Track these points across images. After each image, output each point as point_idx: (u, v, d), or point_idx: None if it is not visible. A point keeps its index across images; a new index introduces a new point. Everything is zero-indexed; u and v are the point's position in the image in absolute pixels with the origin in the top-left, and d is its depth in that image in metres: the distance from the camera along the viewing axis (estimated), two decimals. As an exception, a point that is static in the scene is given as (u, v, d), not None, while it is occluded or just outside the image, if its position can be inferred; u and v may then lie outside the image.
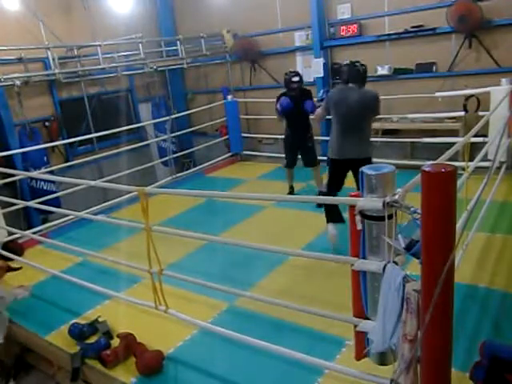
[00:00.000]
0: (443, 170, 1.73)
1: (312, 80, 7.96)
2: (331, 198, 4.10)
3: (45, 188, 6.79)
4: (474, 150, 4.94)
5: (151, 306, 3.37)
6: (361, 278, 2.24)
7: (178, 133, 8.41)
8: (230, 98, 8.44)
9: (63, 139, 7.30)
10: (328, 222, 4.58)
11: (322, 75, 7.80)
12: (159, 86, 9.12)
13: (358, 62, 4.50)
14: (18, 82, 6.45)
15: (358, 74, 4.40)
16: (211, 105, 8.73)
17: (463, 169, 3.78)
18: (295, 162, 6.32)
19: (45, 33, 7.40)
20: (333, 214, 4.54)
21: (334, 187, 4.54)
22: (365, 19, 7.43)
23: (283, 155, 6.51)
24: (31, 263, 4.62)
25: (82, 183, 5.30)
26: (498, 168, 5.48)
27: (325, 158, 7.79)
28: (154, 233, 3.15)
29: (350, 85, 4.42)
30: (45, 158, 6.86)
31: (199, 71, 9.70)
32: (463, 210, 3.24)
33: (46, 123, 7.45)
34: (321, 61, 7.76)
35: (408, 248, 1.94)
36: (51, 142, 7.03)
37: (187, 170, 8.58)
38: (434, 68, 6.97)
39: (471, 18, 6.26)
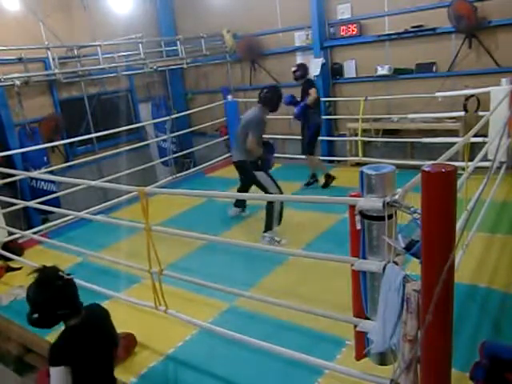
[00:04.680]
0: (443, 170, 1.73)
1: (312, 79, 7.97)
2: (331, 198, 4.10)
3: (45, 188, 6.79)
4: (474, 149, 4.94)
5: (151, 306, 3.38)
6: (361, 277, 2.24)
7: (178, 133, 8.42)
8: (229, 98, 8.44)
9: (63, 139, 7.29)
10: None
11: (317, 73, 7.81)
12: (159, 86, 9.12)
13: (273, 87, 5.53)
14: (17, 82, 6.45)
15: (260, 96, 5.32)
16: (211, 105, 8.73)
17: (463, 169, 3.78)
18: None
19: (45, 33, 7.42)
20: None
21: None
22: (365, 19, 7.44)
23: (283, 155, 6.56)
24: (31, 263, 4.61)
25: (82, 183, 5.30)
26: (498, 168, 5.48)
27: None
28: (154, 233, 3.15)
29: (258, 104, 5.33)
30: (45, 158, 6.86)
31: (199, 71, 9.70)
32: (463, 210, 3.24)
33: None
34: (320, 60, 7.76)
35: (408, 248, 1.94)
36: (49, 141, 7.01)
37: (187, 170, 8.58)
38: (434, 68, 6.97)
39: (468, 19, 6.26)
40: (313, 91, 6.29)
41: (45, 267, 2.28)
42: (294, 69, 6.56)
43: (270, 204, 5.03)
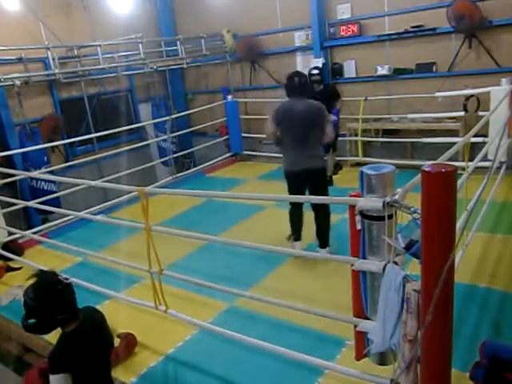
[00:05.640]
0: (443, 170, 1.73)
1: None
2: (331, 198, 4.11)
3: (45, 188, 6.79)
4: (474, 149, 4.94)
5: (151, 306, 3.38)
6: (361, 277, 2.24)
7: (178, 133, 8.42)
8: (230, 98, 8.44)
9: (63, 139, 7.29)
10: (295, 240, 4.64)
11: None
12: (159, 86, 9.12)
13: (300, 73, 4.63)
14: (17, 82, 6.44)
15: (299, 87, 4.47)
16: (211, 105, 8.73)
17: (463, 169, 3.78)
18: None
19: (45, 33, 7.41)
20: (298, 231, 4.63)
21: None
22: (365, 19, 7.43)
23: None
24: (31, 263, 4.61)
25: (82, 183, 5.30)
26: (498, 168, 5.48)
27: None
28: (154, 233, 3.15)
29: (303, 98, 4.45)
30: (45, 158, 6.85)
31: (199, 71, 9.70)
32: (463, 210, 3.24)
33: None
34: (320, 61, 7.76)
35: (407, 248, 1.94)
36: (49, 141, 7.00)
37: (187, 170, 8.58)
38: (434, 68, 6.96)
39: (470, 18, 6.26)
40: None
41: (43, 271, 2.25)
42: (315, 71, 6.49)
43: (329, 214, 4.55)
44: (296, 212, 4.61)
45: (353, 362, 2.46)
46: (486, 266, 3.97)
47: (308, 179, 4.45)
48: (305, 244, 4.75)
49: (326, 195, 4.51)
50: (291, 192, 4.57)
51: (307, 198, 4.40)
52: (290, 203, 4.63)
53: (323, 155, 4.56)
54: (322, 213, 4.48)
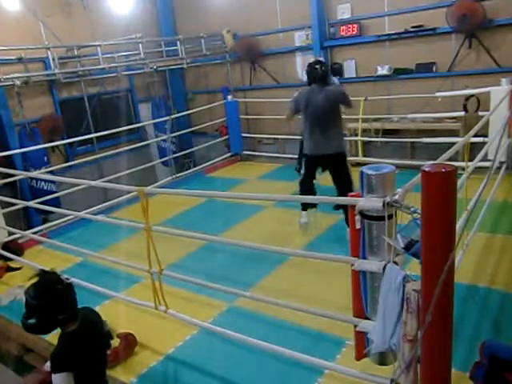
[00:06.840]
0: (443, 170, 1.73)
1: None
2: (331, 198, 4.10)
3: (45, 188, 6.79)
4: (473, 150, 4.94)
5: (151, 306, 3.38)
6: (361, 277, 2.24)
7: (178, 133, 8.42)
8: (230, 98, 8.44)
9: (63, 139, 7.29)
10: (303, 209, 4.91)
11: None
12: (159, 86, 9.12)
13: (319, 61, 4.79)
14: (18, 82, 6.44)
15: (321, 75, 4.63)
16: (211, 105, 8.73)
17: (463, 169, 3.77)
18: None
19: (45, 33, 7.42)
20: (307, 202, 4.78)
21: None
22: (365, 19, 7.43)
23: (283, 155, 6.51)
24: (31, 263, 4.61)
25: (82, 183, 5.30)
26: (498, 168, 5.48)
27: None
28: (154, 233, 3.15)
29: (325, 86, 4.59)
30: (45, 158, 6.86)
31: (199, 71, 9.70)
32: (463, 210, 3.24)
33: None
34: (320, 61, 7.76)
35: (407, 248, 1.95)
36: (48, 141, 6.99)
37: (187, 169, 8.58)
38: (434, 68, 6.97)
39: (473, 18, 6.25)
40: None
41: (44, 271, 2.26)
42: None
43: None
44: (307, 181, 4.80)
45: (353, 361, 2.46)
46: (486, 266, 3.97)
47: (328, 164, 4.69)
48: (304, 244, 4.75)
49: (350, 178, 4.67)
50: (307, 168, 4.81)
51: (307, 199, 4.40)
52: (304, 173, 4.84)
53: (343, 139, 4.77)
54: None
